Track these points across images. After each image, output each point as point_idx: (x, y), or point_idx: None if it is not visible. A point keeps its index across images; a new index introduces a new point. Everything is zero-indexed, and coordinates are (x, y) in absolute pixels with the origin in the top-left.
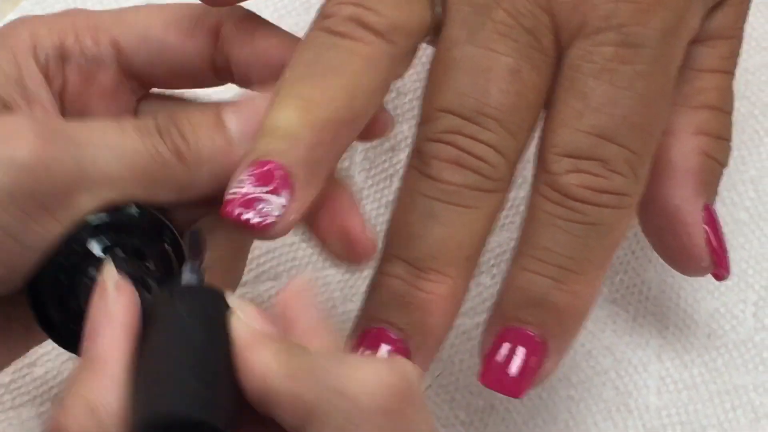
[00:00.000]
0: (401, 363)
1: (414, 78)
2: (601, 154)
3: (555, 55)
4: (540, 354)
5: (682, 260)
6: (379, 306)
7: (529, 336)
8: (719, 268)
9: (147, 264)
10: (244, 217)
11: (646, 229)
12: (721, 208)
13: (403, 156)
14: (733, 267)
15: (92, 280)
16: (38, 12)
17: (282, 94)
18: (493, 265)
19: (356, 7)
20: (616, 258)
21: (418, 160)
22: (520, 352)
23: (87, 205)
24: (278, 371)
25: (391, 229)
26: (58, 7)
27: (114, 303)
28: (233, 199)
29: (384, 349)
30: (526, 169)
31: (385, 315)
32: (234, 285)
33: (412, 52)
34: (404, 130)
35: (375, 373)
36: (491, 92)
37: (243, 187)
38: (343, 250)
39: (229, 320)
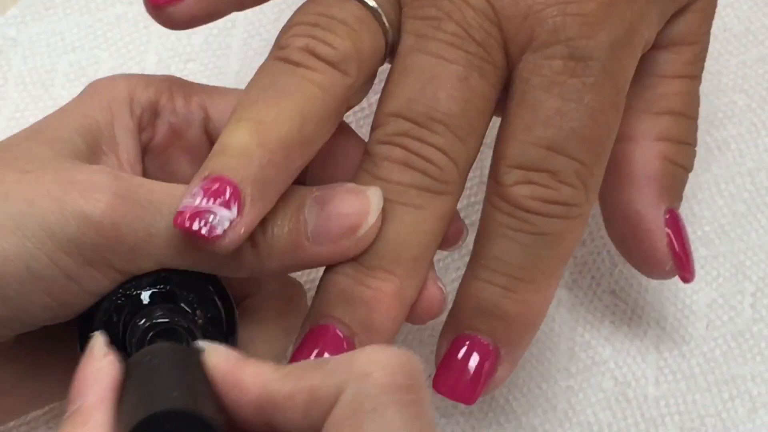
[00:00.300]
0: (409, 352)
1: None
2: (550, 165)
3: (504, 67)
4: (492, 361)
5: (645, 264)
6: (326, 303)
7: (482, 343)
8: (682, 271)
9: (196, 318)
10: (194, 227)
11: (611, 234)
12: (719, 200)
13: None
14: (731, 258)
15: (142, 326)
16: (39, 6)
17: (236, 116)
18: None
19: (309, 39)
20: (614, 249)
21: (369, 163)
22: (473, 360)
23: (149, 267)
24: (281, 376)
25: None
26: (58, 0)
27: (103, 365)
28: (184, 211)
29: (330, 347)
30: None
31: (332, 311)
32: (278, 360)
33: (368, 80)
34: None
35: (387, 354)
36: (440, 98)
37: (195, 199)
38: None
39: (201, 357)
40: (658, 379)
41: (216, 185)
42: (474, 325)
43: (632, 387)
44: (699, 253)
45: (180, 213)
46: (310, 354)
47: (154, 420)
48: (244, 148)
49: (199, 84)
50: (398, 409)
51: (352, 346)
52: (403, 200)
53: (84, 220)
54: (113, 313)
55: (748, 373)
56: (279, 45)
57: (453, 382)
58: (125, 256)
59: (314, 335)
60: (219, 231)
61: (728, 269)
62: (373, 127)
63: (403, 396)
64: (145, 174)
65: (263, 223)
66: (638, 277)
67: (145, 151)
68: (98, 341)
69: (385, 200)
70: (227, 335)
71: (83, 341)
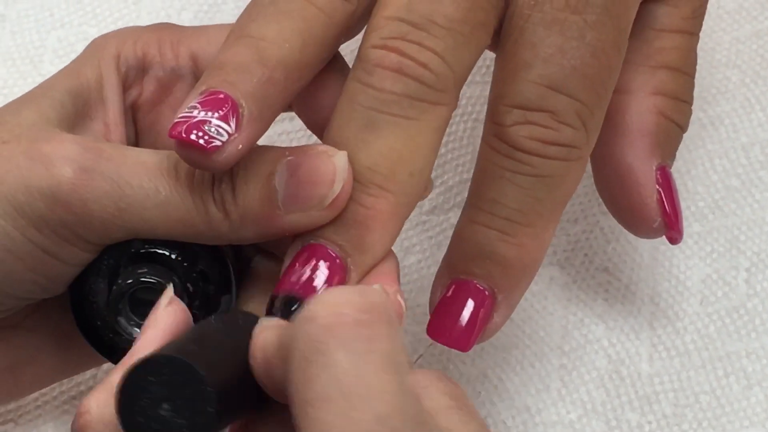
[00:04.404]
0: (367, 287)
1: None
2: (550, 105)
3: None
4: (488, 307)
5: (633, 220)
6: None
7: (478, 289)
8: (671, 230)
9: (182, 276)
10: (192, 137)
11: (600, 188)
12: (713, 176)
13: None
14: (726, 234)
15: (124, 288)
16: None
17: (234, 34)
18: None
19: None
20: (607, 226)
21: (360, 69)
22: (469, 305)
23: (122, 237)
24: (275, 338)
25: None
26: None
27: (161, 313)
28: (182, 121)
29: (322, 265)
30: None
31: (323, 230)
32: None
33: (367, 11)
34: None
35: (335, 293)
36: (443, 1)
37: (192, 112)
38: None
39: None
40: (652, 357)
41: (215, 98)
42: (470, 269)
43: (626, 365)
44: (693, 228)
45: (176, 123)
46: (301, 269)
47: (143, 365)
48: (244, 63)
49: (190, 27)
50: (344, 347)
51: (343, 266)
52: (395, 111)
53: (51, 197)
54: (100, 280)
55: (743, 349)
56: None
57: (448, 329)
58: (97, 230)
59: (305, 254)
60: (217, 143)
61: (722, 244)
62: (368, 32)
63: (351, 332)
64: (135, 133)
65: (234, 191)
66: (631, 254)
67: (134, 109)
68: (167, 291)
69: (378, 112)
70: (220, 293)
71: (77, 312)
